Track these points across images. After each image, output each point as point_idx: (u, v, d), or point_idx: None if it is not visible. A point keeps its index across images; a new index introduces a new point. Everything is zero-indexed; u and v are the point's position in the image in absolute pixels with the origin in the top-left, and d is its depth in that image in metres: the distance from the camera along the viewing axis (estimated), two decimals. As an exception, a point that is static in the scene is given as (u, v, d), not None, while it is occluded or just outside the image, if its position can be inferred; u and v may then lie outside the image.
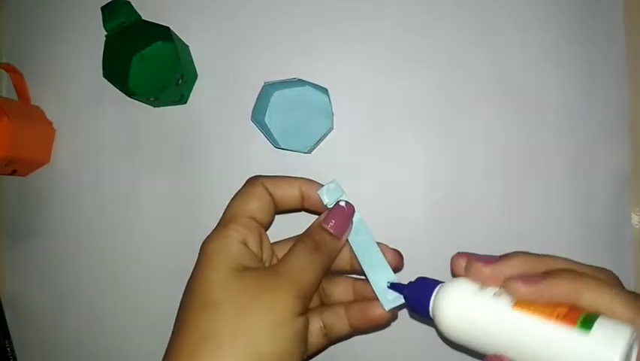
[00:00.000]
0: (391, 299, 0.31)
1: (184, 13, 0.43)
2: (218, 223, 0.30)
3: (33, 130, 0.43)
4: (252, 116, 0.40)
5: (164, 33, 0.40)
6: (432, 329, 0.40)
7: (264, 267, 0.29)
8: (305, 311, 0.27)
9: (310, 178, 0.32)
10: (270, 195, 0.31)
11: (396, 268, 0.32)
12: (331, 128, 0.40)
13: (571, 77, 0.40)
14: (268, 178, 0.31)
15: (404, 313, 0.40)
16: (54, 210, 0.44)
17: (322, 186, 0.31)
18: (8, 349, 0.43)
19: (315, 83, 0.39)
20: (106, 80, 0.40)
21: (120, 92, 0.40)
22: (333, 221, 0.30)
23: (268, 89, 0.40)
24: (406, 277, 0.42)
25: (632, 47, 0.40)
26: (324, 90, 0.39)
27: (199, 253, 0.29)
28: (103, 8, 0.40)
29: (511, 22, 0.41)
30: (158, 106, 0.43)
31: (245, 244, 0.29)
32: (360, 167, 0.41)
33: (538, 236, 0.40)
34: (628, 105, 0.40)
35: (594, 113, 0.40)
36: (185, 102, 0.43)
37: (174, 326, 0.27)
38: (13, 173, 0.43)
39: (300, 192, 0.31)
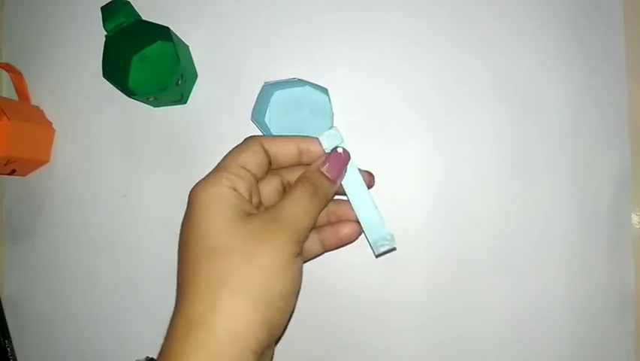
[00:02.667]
0: (381, 244, 0.34)
1: (184, 13, 0.43)
2: (210, 172, 0.31)
3: (33, 130, 0.43)
4: (252, 116, 0.40)
5: (164, 33, 0.40)
6: (432, 331, 0.40)
7: (264, 212, 0.30)
8: (301, 251, 0.30)
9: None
10: (265, 151, 0.32)
11: (369, 186, 0.35)
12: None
13: (571, 77, 0.40)
14: (264, 137, 0.33)
15: (404, 313, 0.40)
16: (54, 210, 0.44)
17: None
18: (8, 349, 0.43)
19: (315, 83, 0.39)
20: (106, 80, 0.40)
21: (120, 92, 0.40)
22: (331, 165, 0.32)
23: (268, 89, 0.40)
24: (406, 279, 0.42)
25: (632, 47, 0.40)
26: (324, 90, 0.40)
27: (191, 200, 0.30)
28: (103, 8, 0.40)
29: (510, 22, 0.41)
30: (158, 106, 0.43)
31: (235, 189, 0.30)
32: (360, 167, 0.41)
33: (538, 236, 0.40)
34: (628, 105, 0.40)
35: (594, 113, 0.40)
36: (185, 102, 0.43)
37: (181, 276, 0.28)
38: (13, 173, 0.43)
39: (297, 147, 0.33)
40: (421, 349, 0.40)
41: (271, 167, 0.33)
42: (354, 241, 0.36)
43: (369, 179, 0.36)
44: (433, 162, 0.41)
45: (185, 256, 0.29)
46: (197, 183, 0.30)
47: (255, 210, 0.30)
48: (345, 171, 0.33)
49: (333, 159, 0.33)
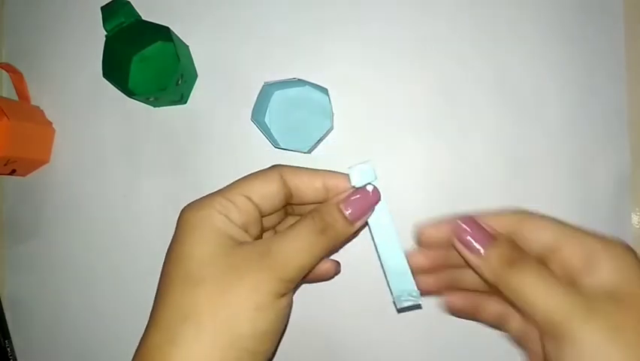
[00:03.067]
0: (405, 299, 0.29)
1: (184, 13, 0.43)
2: (207, 194, 0.28)
3: (33, 130, 0.43)
4: (251, 116, 0.40)
5: (164, 33, 0.40)
6: (432, 332, 0.40)
7: (255, 242, 0.27)
8: (291, 290, 0.27)
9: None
10: (285, 182, 0.29)
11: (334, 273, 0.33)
12: (331, 128, 0.40)
13: (570, 77, 0.40)
14: (289, 167, 0.29)
15: (405, 317, 0.40)
16: (54, 210, 0.44)
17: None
18: (8, 349, 0.43)
19: (315, 83, 0.39)
20: (106, 80, 0.40)
21: (120, 92, 0.40)
22: (353, 204, 0.28)
23: (268, 89, 0.40)
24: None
25: (632, 47, 0.40)
26: (324, 90, 0.40)
27: (179, 220, 0.27)
28: (103, 8, 0.40)
29: (510, 22, 0.41)
30: (158, 106, 0.43)
31: (228, 217, 0.27)
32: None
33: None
34: (628, 105, 0.40)
35: (594, 113, 0.40)
36: (185, 102, 0.43)
37: (155, 300, 0.27)
38: (13, 173, 0.43)
39: (324, 183, 0.29)
40: (422, 350, 0.40)
41: (293, 201, 0.30)
42: (330, 279, 0.34)
43: (335, 266, 0.33)
44: (433, 161, 0.41)
45: (161, 278, 0.27)
46: (189, 203, 0.28)
47: (249, 239, 0.28)
48: (372, 212, 0.29)
49: (359, 198, 0.28)
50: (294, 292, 0.28)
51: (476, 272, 0.26)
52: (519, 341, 0.30)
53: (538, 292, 0.23)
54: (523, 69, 0.40)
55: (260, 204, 0.28)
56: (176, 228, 0.27)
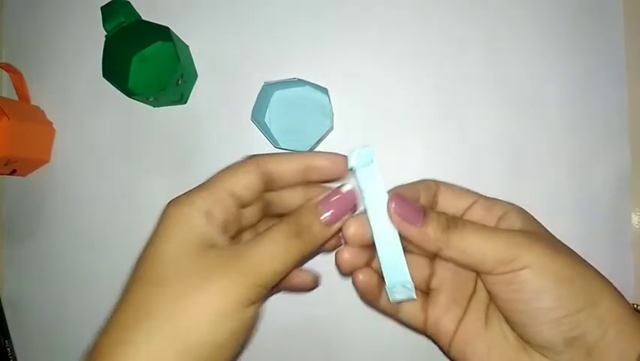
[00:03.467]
0: (397, 290, 0.28)
1: (184, 13, 0.43)
2: (192, 189, 0.27)
3: (33, 130, 0.43)
4: (251, 116, 0.40)
5: (164, 33, 0.40)
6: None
7: (228, 246, 0.26)
8: (260, 299, 0.25)
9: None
10: (262, 171, 0.28)
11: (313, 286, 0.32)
12: (331, 128, 0.40)
13: (571, 76, 0.40)
14: (265, 155, 0.28)
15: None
16: (54, 210, 0.44)
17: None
18: (8, 349, 0.43)
19: (315, 83, 0.39)
20: (106, 80, 0.40)
21: (120, 92, 0.40)
22: (328, 205, 0.26)
23: (268, 89, 0.40)
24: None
25: (632, 47, 0.40)
26: (324, 90, 0.39)
27: (161, 215, 0.26)
28: (103, 8, 0.40)
29: (510, 22, 0.41)
30: (158, 106, 0.43)
31: (209, 215, 0.26)
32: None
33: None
34: (628, 105, 0.40)
35: (594, 113, 0.40)
36: (185, 102, 0.43)
37: (119, 297, 0.25)
38: (13, 173, 0.43)
39: (302, 163, 0.28)
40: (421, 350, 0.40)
41: (274, 187, 0.29)
42: (309, 291, 0.32)
43: (313, 281, 0.31)
44: (433, 161, 0.41)
45: (130, 276, 0.25)
46: (175, 198, 0.27)
47: (225, 238, 0.26)
48: (349, 216, 0.27)
49: (334, 199, 0.27)
50: (263, 302, 0.26)
51: (417, 246, 0.27)
52: (421, 319, 0.30)
53: (483, 242, 0.26)
54: (523, 69, 0.40)
55: (242, 196, 0.27)
56: (157, 222, 0.26)
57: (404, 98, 0.41)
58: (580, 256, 0.27)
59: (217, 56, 0.43)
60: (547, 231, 0.29)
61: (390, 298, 0.28)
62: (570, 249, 0.28)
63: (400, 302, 0.29)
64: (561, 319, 0.25)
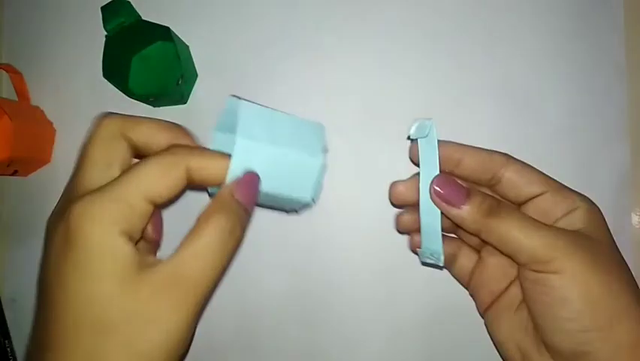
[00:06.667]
0: (426, 256, 0.30)
1: (184, 13, 0.43)
2: (88, 195, 0.23)
3: (33, 130, 0.43)
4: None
5: (164, 33, 0.40)
6: (432, 330, 0.40)
7: (161, 266, 0.23)
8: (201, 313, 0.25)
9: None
10: (130, 141, 0.26)
11: None
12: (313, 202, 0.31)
13: (571, 76, 0.40)
14: (124, 119, 0.27)
15: (406, 311, 0.40)
16: (54, 210, 0.44)
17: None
18: (8, 349, 0.43)
19: (305, 118, 0.30)
20: (106, 80, 0.40)
21: (120, 92, 0.40)
22: (245, 190, 0.25)
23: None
24: (405, 282, 0.42)
25: (632, 47, 0.40)
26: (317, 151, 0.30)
27: (69, 234, 0.23)
28: (103, 8, 0.40)
29: (510, 22, 0.41)
30: (158, 106, 0.43)
31: (129, 234, 0.23)
32: (359, 165, 0.41)
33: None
34: (628, 105, 0.40)
35: (594, 113, 0.40)
36: (185, 102, 0.43)
37: (53, 340, 0.23)
38: (15, 173, 0.43)
39: (169, 137, 0.27)
40: (420, 351, 0.40)
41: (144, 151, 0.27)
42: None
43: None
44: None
45: (59, 317, 0.23)
46: (77, 209, 0.23)
47: (150, 252, 0.25)
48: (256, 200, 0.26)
49: (246, 183, 0.25)
50: None
51: (457, 225, 0.28)
52: (466, 280, 0.33)
53: (522, 236, 0.26)
54: (523, 69, 0.40)
55: (161, 200, 0.25)
56: (68, 244, 0.23)
57: (405, 97, 0.41)
58: (624, 273, 0.27)
59: (217, 56, 0.43)
60: (610, 237, 0.28)
61: (420, 258, 0.31)
62: (619, 263, 0.28)
63: (429, 265, 0.32)
64: (576, 332, 0.25)
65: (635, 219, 0.39)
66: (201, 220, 0.24)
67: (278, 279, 0.41)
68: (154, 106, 0.43)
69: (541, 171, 0.30)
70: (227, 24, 0.43)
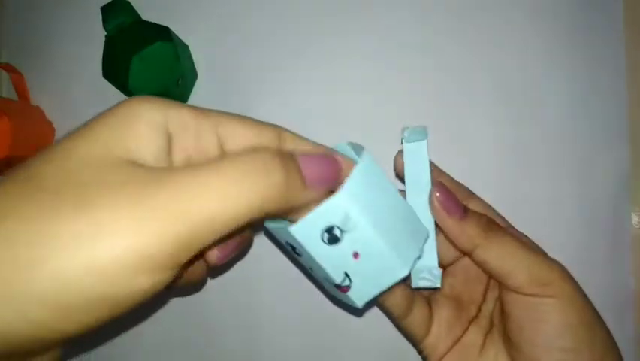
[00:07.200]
0: (422, 277, 0.26)
1: (184, 13, 0.43)
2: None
3: (33, 130, 0.43)
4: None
5: (164, 33, 0.40)
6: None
7: (160, 170, 0.18)
8: (177, 265, 0.17)
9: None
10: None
11: None
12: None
13: (571, 76, 0.40)
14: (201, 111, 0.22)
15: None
16: (54, 210, 0.44)
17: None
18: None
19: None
20: (106, 80, 0.40)
21: (120, 92, 0.40)
22: (311, 164, 0.20)
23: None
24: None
25: (632, 47, 0.40)
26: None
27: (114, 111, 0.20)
28: (103, 8, 0.40)
29: (510, 22, 0.41)
30: (158, 106, 0.43)
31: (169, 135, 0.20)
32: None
33: (538, 236, 0.39)
34: (628, 105, 0.40)
35: (594, 113, 0.40)
36: (185, 102, 0.43)
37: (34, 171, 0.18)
38: (14, 173, 0.43)
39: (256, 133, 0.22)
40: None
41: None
42: (199, 285, 0.27)
43: (205, 271, 0.25)
44: (433, 161, 0.41)
45: (56, 153, 0.18)
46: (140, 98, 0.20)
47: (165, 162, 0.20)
48: (328, 187, 0.21)
49: (319, 160, 0.21)
50: (173, 276, 0.17)
51: (450, 239, 0.26)
52: (422, 332, 0.29)
53: (522, 254, 0.25)
54: (523, 69, 0.40)
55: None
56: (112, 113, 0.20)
57: (405, 97, 0.41)
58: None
59: (217, 56, 0.43)
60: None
61: (413, 283, 0.27)
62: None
63: (421, 289, 0.28)
64: None
65: (635, 219, 0.39)
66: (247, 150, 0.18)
67: (277, 281, 0.41)
68: (154, 106, 0.43)
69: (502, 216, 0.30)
70: (227, 24, 0.43)
